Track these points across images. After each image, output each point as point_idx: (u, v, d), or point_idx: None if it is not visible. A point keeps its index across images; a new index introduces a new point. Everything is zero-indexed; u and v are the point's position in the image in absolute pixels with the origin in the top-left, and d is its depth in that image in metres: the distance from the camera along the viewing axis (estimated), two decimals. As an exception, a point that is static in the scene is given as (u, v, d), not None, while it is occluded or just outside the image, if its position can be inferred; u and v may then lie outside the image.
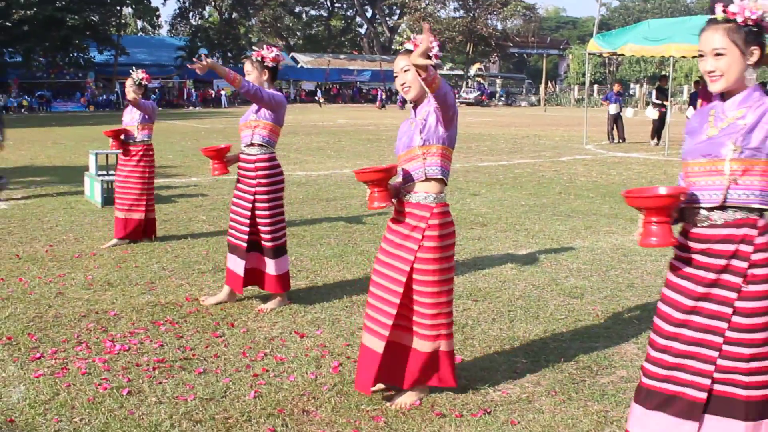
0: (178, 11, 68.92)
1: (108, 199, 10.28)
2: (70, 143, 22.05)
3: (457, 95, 62.99)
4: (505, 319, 5.59)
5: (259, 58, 5.77)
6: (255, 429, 3.85)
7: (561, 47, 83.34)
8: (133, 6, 61.49)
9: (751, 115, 2.84)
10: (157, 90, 53.55)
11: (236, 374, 4.56)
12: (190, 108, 55.97)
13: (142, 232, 8.26)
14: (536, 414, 4.01)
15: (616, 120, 22.69)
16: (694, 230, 2.99)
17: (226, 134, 25.60)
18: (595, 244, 8.07)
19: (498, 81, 75.18)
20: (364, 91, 69.25)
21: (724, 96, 2.95)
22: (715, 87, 2.90)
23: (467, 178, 13.61)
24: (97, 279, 6.73)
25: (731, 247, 2.90)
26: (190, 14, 69.19)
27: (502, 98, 68.11)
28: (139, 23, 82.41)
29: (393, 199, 4.03)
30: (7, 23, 46.95)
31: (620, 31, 22.30)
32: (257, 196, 5.81)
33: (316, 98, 61.83)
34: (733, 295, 2.90)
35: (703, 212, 2.96)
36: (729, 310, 2.92)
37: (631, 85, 69.30)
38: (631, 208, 3.11)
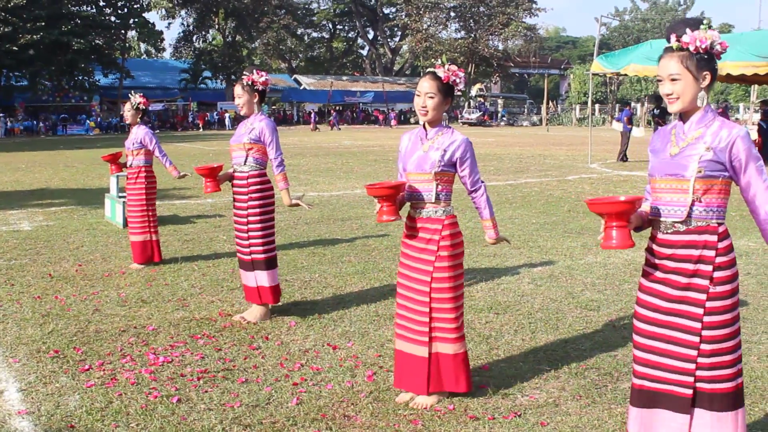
0: (182, 34, 69.48)
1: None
2: (81, 166, 22.39)
3: (458, 116, 63.69)
4: (526, 331, 5.86)
5: (250, 83, 6.11)
6: (301, 432, 4.11)
7: (562, 67, 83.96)
8: (138, 30, 62.29)
9: (709, 136, 3.17)
10: (152, 114, 54.09)
11: (277, 383, 4.82)
12: (196, 130, 56.46)
13: (151, 254, 8.40)
14: (564, 416, 4.28)
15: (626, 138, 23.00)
16: (660, 236, 3.33)
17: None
18: (607, 259, 8.34)
19: (499, 101, 75.71)
20: (368, 112, 69.86)
21: (682, 116, 3.29)
22: (672, 108, 3.26)
23: (477, 197, 13.88)
24: (131, 296, 7.01)
25: (696, 252, 3.22)
26: (194, 37, 69.78)
27: (504, 118, 68.54)
28: (143, 46, 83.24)
29: (400, 214, 4.34)
30: (14, 47, 47.48)
31: (623, 51, 22.64)
32: (250, 210, 6.14)
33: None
34: (703, 296, 3.21)
35: (669, 221, 3.29)
36: (700, 311, 3.22)
37: (632, 104, 69.77)
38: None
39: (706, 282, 3.20)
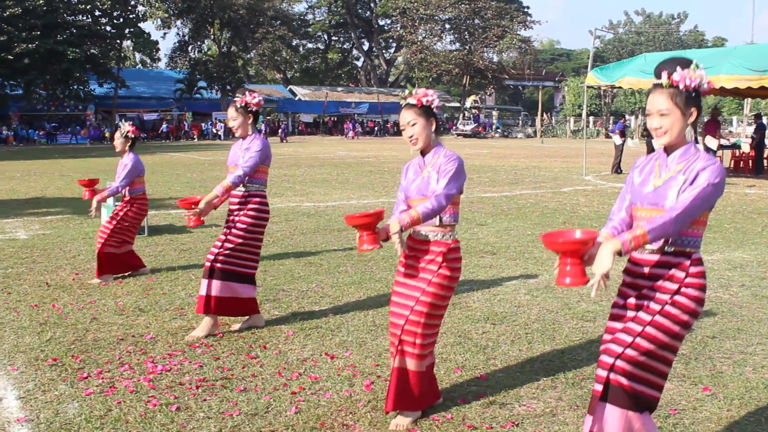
0: (177, 44, 69.47)
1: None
2: (76, 175, 22.34)
3: (453, 127, 63.75)
4: (523, 341, 5.89)
5: (243, 104, 6.14)
6: (300, 441, 4.13)
7: (556, 79, 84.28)
8: (133, 39, 62.28)
9: (690, 170, 3.26)
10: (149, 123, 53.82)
11: (275, 392, 4.84)
12: (190, 140, 56.48)
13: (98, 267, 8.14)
14: (561, 426, 4.31)
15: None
16: (637, 255, 3.44)
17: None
18: (603, 271, 8.36)
19: (494, 113, 75.82)
20: (363, 122, 69.94)
21: (667, 148, 3.38)
22: (660, 141, 3.35)
23: (472, 209, 13.94)
24: (128, 305, 7.02)
25: (666, 272, 3.33)
26: (190, 47, 69.79)
27: (499, 130, 68.68)
28: (138, 56, 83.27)
29: (381, 242, 4.23)
30: (9, 56, 47.44)
31: (617, 64, 22.78)
32: (237, 224, 6.14)
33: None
34: (657, 307, 3.31)
35: (648, 247, 3.39)
36: (658, 307, 3.31)
37: (626, 116, 70.09)
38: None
39: (666, 297, 3.30)
